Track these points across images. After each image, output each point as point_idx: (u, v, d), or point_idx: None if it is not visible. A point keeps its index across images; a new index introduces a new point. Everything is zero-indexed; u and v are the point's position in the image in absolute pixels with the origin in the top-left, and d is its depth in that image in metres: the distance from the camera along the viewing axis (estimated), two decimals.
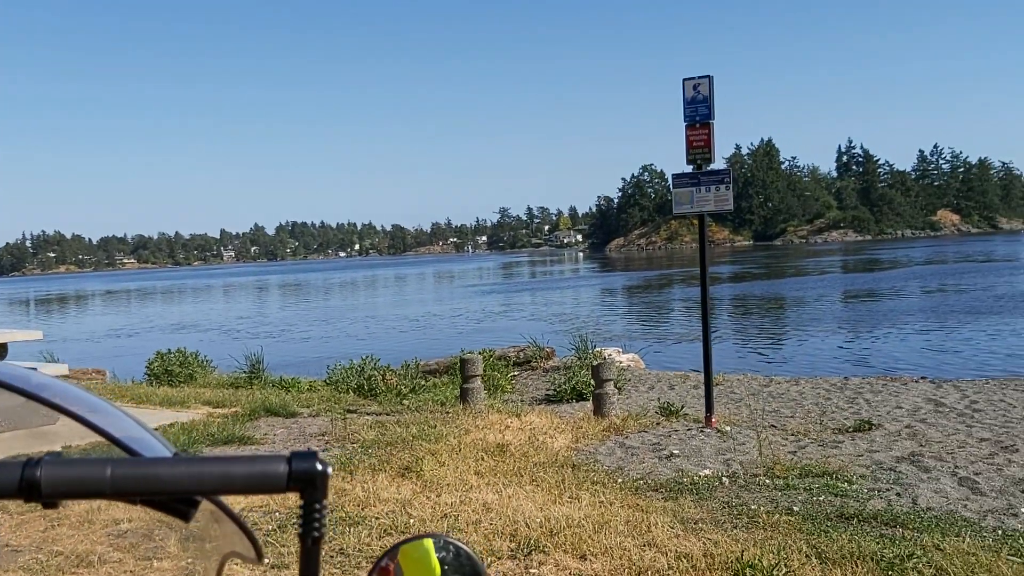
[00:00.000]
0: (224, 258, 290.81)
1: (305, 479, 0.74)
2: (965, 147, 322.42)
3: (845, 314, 33.48)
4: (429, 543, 0.97)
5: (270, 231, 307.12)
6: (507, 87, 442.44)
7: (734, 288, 51.27)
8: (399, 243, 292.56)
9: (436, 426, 8.38)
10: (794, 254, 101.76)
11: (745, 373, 16.49)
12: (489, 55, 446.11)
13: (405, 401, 11.25)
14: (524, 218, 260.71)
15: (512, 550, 4.86)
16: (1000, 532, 5.34)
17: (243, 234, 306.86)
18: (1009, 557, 4.77)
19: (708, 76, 9.26)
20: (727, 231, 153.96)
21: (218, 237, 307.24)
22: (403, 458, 6.94)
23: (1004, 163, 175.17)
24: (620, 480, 6.78)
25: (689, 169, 9.61)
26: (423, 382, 13.55)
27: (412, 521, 5.39)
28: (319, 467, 0.75)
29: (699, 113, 9.26)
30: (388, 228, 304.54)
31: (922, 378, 15.21)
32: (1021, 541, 5.06)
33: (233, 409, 10.07)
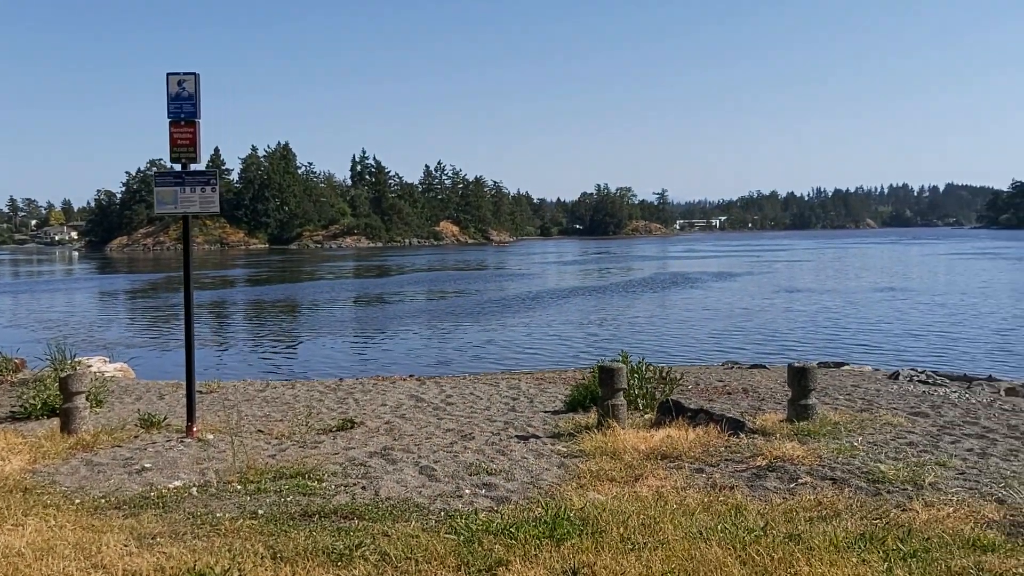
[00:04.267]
0: None
1: None
2: (464, 166, 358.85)
3: (353, 317, 35.03)
4: None
5: None
6: None
7: (248, 292, 50.66)
8: None
9: None
10: (310, 258, 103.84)
11: (244, 379, 16.33)
12: None
13: None
14: (6, 210, 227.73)
15: None
16: (444, 513, 5.94)
17: None
18: (446, 535, 5.31)
19: (194, 73, 8.96)
20: (243, 233, 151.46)
21: None
22: None
23: (495, 182, 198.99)
24: (78, 501, 6.24)
25: (176, 167, 9.18)
26: None
27: None
28: None
29: (184, 111, 8.92)
30: None
31: (411, 376, 16.46)
32: (460, 520, 5.66)
33: None
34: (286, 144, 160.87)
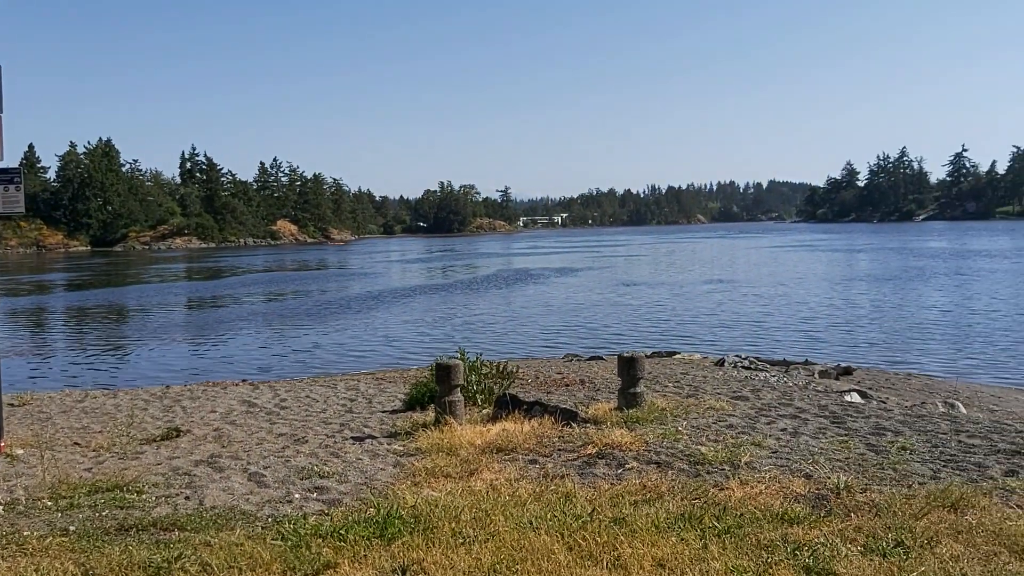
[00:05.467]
0: None
1: None
2: (302, 163, 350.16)
3: (183, 322, 33.50)
4: None
5: None
6: None
7: (67, 297, 47.45)
8: None
9: None
10: (137, 261, 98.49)
11: (63, 389, 15.30)
12: None
13: None
14: None
15: None
16: (272, 519, 5.76)
17: None
18: (272, 541, 5.15)
19: None
20: (62, 235, 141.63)
21: None
22: None
23: (335, 179, 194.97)
24: None
25: None
26: None
27: None
28: None
29: None
30: None
31: (243, 380, 15.91)
32: (287, 525, 5.50)
33: None
34: (108, 140, 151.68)
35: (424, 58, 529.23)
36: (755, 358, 18.96)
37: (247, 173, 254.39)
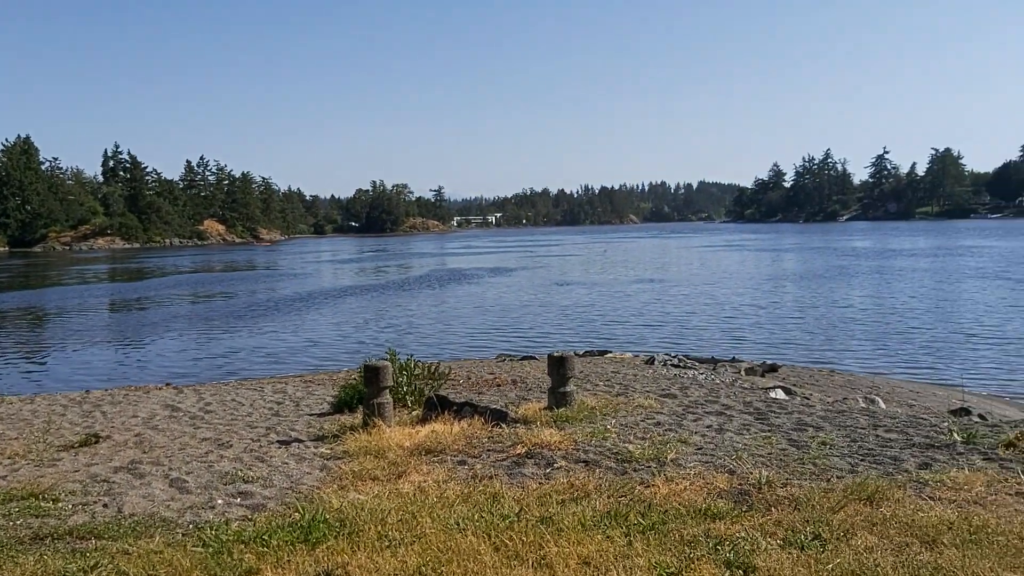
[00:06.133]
0: None
1: None
2: (230, 161, 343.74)
3: (104, 324, 32.55)
4: None
5: None
6: None
7: None
8: None
9: None
10: (57, 262, 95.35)
11: None
12: None
13: None
14: None
15: None
16: (194, 526, 5.63)
17: None
18: (193, 549, 5.03)
19: None
20: None
21: None
22: None
23: (264, 178, 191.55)
24: None
25: None
26: None
27: None
28: None
29: None
30: None
31: (167, 384, 15.54)
32: (209, 531, 5.39)
33: None
34: (27, 138, 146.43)
35: (355, 57, 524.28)
36: (684, 356, 19.26)
37: (173, 172, 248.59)
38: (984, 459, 6.99)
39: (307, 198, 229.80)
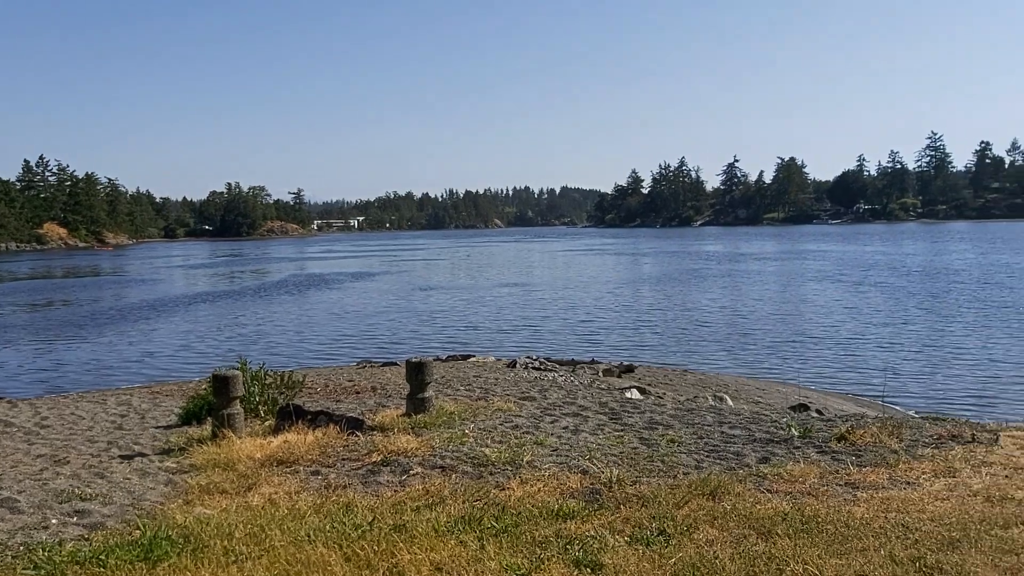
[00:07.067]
0: None
1: None
2: (72, 161, 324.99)
3: None
4: None
5: None
6: None
7: None
8: None
9: None
10: None
11: None
12: None
13: None
14: None
15: None
16: (25, 547, 5.27)
17: None
18: (23, 572, 4.73)
19: None
20: None
21: None
22: None
23: (110, 179, 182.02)
24: None
25: None
26: None
27: None
28: None
29: None
30: None
31: (0, 398, 14.54)
32: (41, 553, 5.06)
33: None
34: None
35: (207, 52, 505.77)
36: (545, 359, 19.58)
37: (9, 172, 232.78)
38: (818, 452, 7.43)
39: (157, 200, 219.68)
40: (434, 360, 18.93)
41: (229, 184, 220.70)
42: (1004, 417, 12.31)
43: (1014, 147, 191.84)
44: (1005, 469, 6.72)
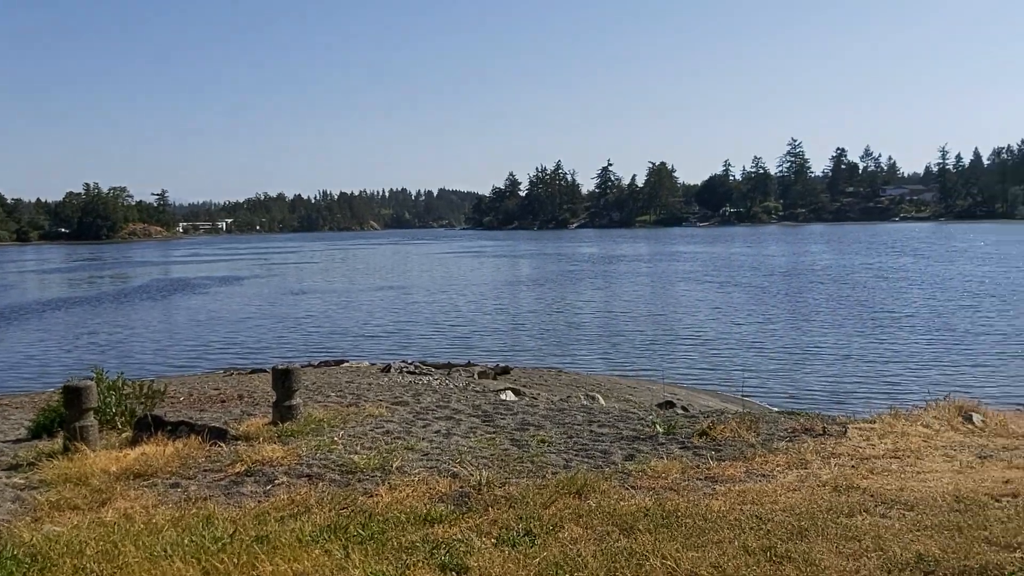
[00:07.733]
0: None
1: None
2: None
3: None
4: None
5: None
6: None
7: None
8: None
9: None
10: None
11: None
12: None
13: None
14: None
15: None
16: None
17: None
18: None
19: None
20: None
21: None
22: None
23: None
24: None
25: None
26: None
27: None
28: None
29: None
30: None
31: None
32: None
33: None
34: None
35: (62, 37, 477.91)
36: (421, 362, 19.50)
37: None
38: (681, 448, 7.68)
39: (8, 201, 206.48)
40: (306, 366, 18.58)
41: (87, 184, 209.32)
42: (854, 410, 13.05)
43: (867, 153, 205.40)
44: (852, 460, 7.13)
